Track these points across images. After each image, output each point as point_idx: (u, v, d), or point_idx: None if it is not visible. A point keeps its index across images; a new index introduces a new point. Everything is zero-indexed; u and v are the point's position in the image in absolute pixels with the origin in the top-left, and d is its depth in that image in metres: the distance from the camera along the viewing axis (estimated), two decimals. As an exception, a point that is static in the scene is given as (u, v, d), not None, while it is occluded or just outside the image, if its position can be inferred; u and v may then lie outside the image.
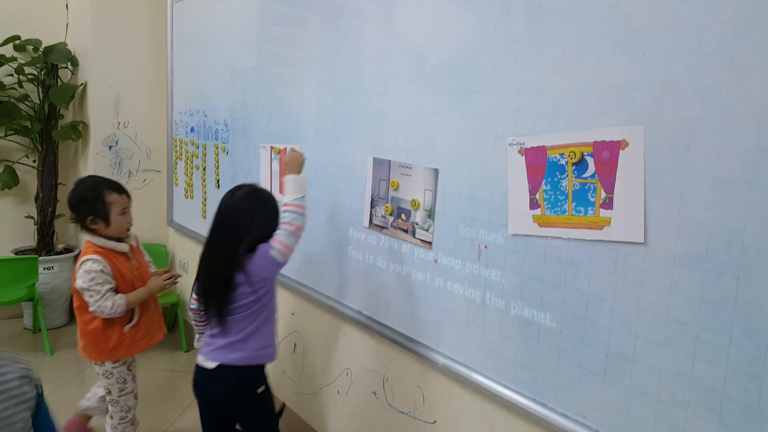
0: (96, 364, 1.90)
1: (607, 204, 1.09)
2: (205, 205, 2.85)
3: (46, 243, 3.29)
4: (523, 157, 1.24)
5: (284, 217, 1.53)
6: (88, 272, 1.76)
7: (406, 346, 1.58)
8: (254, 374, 1.61)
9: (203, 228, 2.88)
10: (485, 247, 1.34)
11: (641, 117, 1.03)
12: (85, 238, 1.86)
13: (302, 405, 2.19)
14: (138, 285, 1.87)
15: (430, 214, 1.45)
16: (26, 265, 2.95)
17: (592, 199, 1.12)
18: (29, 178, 3.35)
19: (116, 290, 1.81)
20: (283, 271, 2.15)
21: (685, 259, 0.97)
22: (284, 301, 2.25)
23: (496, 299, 1.32)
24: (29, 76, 3.19)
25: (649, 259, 1.02)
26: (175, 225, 3.21)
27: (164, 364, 2.90)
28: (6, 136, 3.21)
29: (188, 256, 3.16)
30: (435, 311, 1.49)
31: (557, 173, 1.18)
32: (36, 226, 3.30)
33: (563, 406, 1.19)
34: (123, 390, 1.92)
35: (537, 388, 1.25)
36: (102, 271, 1.77)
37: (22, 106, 3.20)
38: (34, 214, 3.31)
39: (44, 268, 3.10)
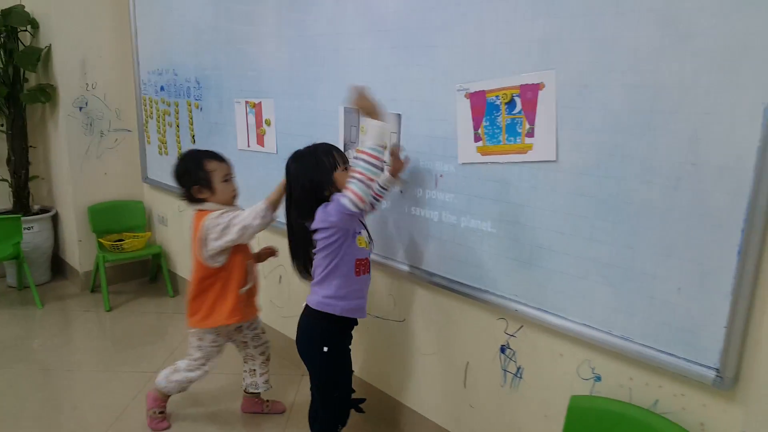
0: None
1: (530, 133, 1.43)
2: (180, 160, 3.05)
3: (22, 205, 3.40)
4: (468, 100, 1.56)
5: (357, 165, 1.46)
6: (215, 218, 1.79)
7: (380, 263, 1.91)
8: (320, 323, 1.62)
9: (180, 182, 3.09)
10: (441, 176, 1.67)
11: (553, 64, 1.35)
12: (195, 208, 1.89)
13: (290, 328, 2.52)
14: (246, 253, 1.93)
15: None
16: (9, 224, 3.09)
17: (519, 130, 1.46)
18: (-1, 143, 3.43)
19: (234, 250, 1.86)
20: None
21: (584, 170, 1.33)
22: (268, 240, 2.54)
23: (450, 216, 1.67)
24: (-11, 40, 3.22)
25: (559, 173, 1.38)
26: (150, 181, 3.39)
27: (153, 308, 3.16)
28: (-29, 100, 3.26)
29: (166, 210, 3.36)
30: (403, 232, 1.83)
31: (494, 112, 1.51)
32: (11, 189, 3.40)
33: (501, 289, 1.56)
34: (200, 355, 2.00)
35: (481, 280, 1.61)
36: (223, 212, 1.81)
37: (-16, 70, 3.24)
38: (8, 177, 3.40)
39: (24, 228, 3.24)
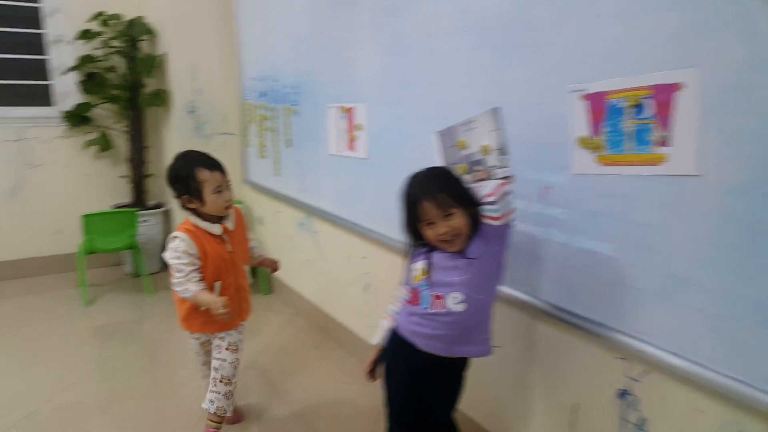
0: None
1: (664, 142, 1.20)
2: (278, 164, 3.09)
3: (140, 200, 3.67)
4: (584, 102, 1.35)
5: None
6: (174, 250, 1.75)
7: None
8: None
9: (277, 185, 3.14)
10: (548, 188, 1.47)
11: (694, 60, 1.11)
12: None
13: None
14: (226, 270, 1.83)
15: (503, 150, 1.56)
16: (127, 217, 3.33)
17: (649, 138, 1.23)
18: (120, 143, 3.71)
19: (201, 270, 1.77)
20: (356, 219, 2.36)
21: (733, 187, 1.08)
22: (355, 246, 2.47)
23: (559, 234, 1.46)
24: (114, 49, 3.49)
25: (702, 190, 1.13)
26: (250, 183, 3.49)
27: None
28: (99, 104, 3.55)
29: (264, 212, 3.43)
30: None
31: (617, 116, 1.29)
32: (131, 185, 3.68)
33: (621, 324, 1.33)
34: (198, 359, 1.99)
35: (596, 311, 1.39)
36: (186, 251, 1.74)
37: (110, 76, 3.52)
38: (127, 174, 3.68)
39: (140, 221, 3.48)
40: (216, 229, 1.81)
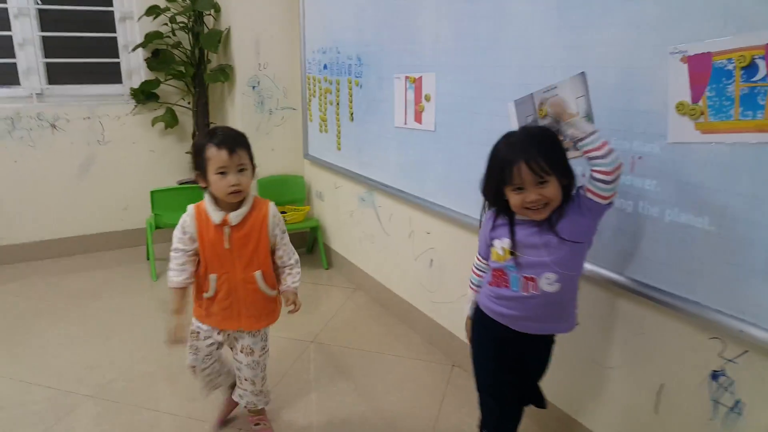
0: None
1: (781, 105, 1.10)
2: (339, 138, 3.09)
3: (203, 176, 3.76)
4: (686, 65, 1.26)
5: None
6: (180, 225, 1.64)
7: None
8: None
9: (337, 159, 3.14)
10: (639, 158, 1.39)
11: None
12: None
13: (441, 312, 2.42)
14: (220, 266, 1.64)
15: (589, 117, 1.48)
16: (191, 192, 3.41)
17: (762, 103, 1.13)
18: (185, 119, 3.80)
19: (198, 254, 1.64)
20: (420, 193, 2.32)
21: None
22: (418, 220, 2.45)
23: (650, 207, 1.38)
24: (180, 25, 3.55)
25: (826, 158, 1.03)
26: (311, 158, 3.51)
27: (308, 278, 3.28)
28: (165, 81, 3.64)
29: (323, 186, 3.45)
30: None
31: (723, 79, 1.19)
32: (194, 161, 3.77)
33: (717, 302, 1.25)
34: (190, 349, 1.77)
35: (688, 288, 1.31)
36: (183, 227, 1.62)
37: (176, 52, 3.60)
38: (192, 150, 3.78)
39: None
40: (216, 216, 1.59)
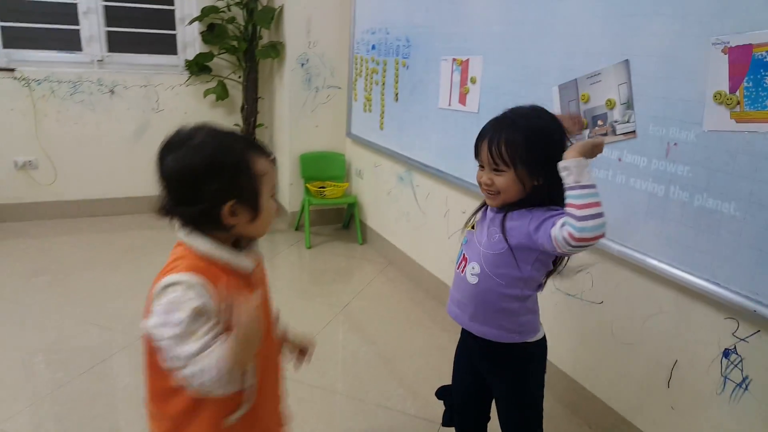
0: None
1: (815, 97, 1.15)
2: (382, 118, 3.19)
3: (250, 148, 3.93)
4: (726, 56, 1.31)
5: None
6: (172, 310, 0.90)
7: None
8: None
9: (379, 138, 3.25)
10: (675, 144, 1.45)
11: None
12: (180, 236, 1.00)
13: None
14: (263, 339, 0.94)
15: (629, 104, 1.54)
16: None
17: (798, 94, 1.18)
18: (235, 93, 3.97)
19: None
20: (460, 174, 2.40)
21: None
22: (455, 200, 2.54)
23: (681, 192, 1.44)
24: (235, 0, 3.70)
25: None
26: (353, 136, 3.63)
27: (344, 251, 3.42)
28: (218, 54, 3.81)
29: (362, 164, 3.57)
30: (614, 205, 1.65)
31: (761, 70, 1.24)
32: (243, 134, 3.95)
33: (737, 284, 1.32)
34: None
35: (710, 270, 1.38)
36: (198, 311, 0.90)
37: (230, 27, 3.75)
38: (240, 123, 3.95)
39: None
40: (246, 264, 1.01)
